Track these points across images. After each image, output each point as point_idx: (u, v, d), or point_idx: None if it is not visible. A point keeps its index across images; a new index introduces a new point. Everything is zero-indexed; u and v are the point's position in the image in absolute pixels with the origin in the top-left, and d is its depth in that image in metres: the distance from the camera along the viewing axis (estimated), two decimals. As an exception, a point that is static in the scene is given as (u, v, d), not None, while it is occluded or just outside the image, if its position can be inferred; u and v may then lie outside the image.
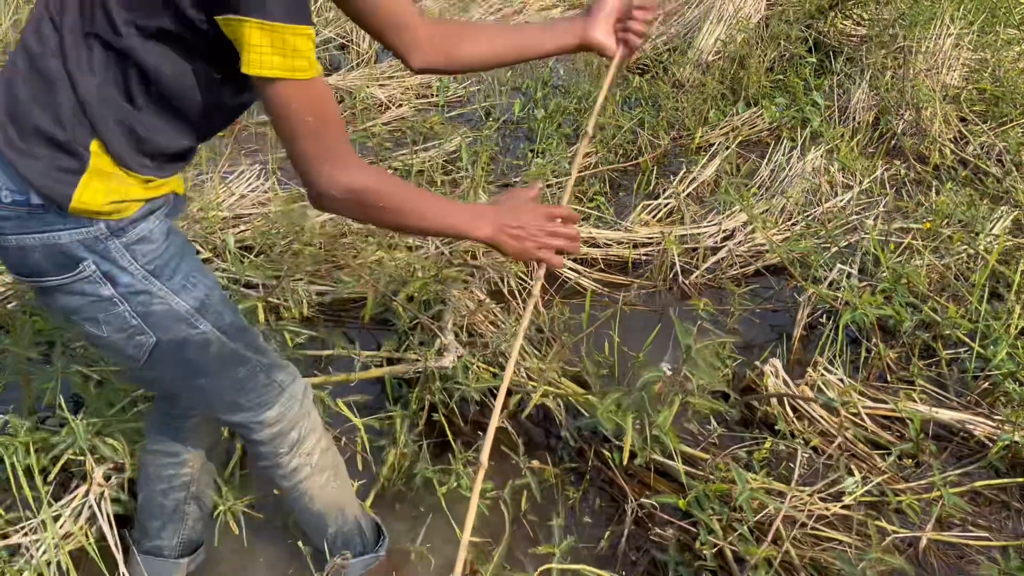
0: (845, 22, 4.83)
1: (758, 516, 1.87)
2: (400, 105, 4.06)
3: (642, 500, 1.96)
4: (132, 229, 1.25)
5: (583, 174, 3.47)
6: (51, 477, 1.86)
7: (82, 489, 1.80)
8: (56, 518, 1.78)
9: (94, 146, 1.18)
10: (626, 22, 1.56)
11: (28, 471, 1.85)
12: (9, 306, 2.42)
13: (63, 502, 1.80)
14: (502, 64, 1.62)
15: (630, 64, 4.52)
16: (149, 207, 1.27)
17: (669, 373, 2.25)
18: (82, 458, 1.82)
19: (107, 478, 1.84)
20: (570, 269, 2.93)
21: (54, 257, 1.23)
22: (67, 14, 1.16)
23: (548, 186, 3.33)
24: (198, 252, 2.63)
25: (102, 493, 1.77)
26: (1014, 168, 3.62)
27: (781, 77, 4.28)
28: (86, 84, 1.16)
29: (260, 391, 1.47)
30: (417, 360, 2.22)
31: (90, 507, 1.77)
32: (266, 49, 1.12)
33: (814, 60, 4.34)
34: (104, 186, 1.20)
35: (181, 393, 1.51)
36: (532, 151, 3.69)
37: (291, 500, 1.66)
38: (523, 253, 1.42)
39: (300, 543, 1.85)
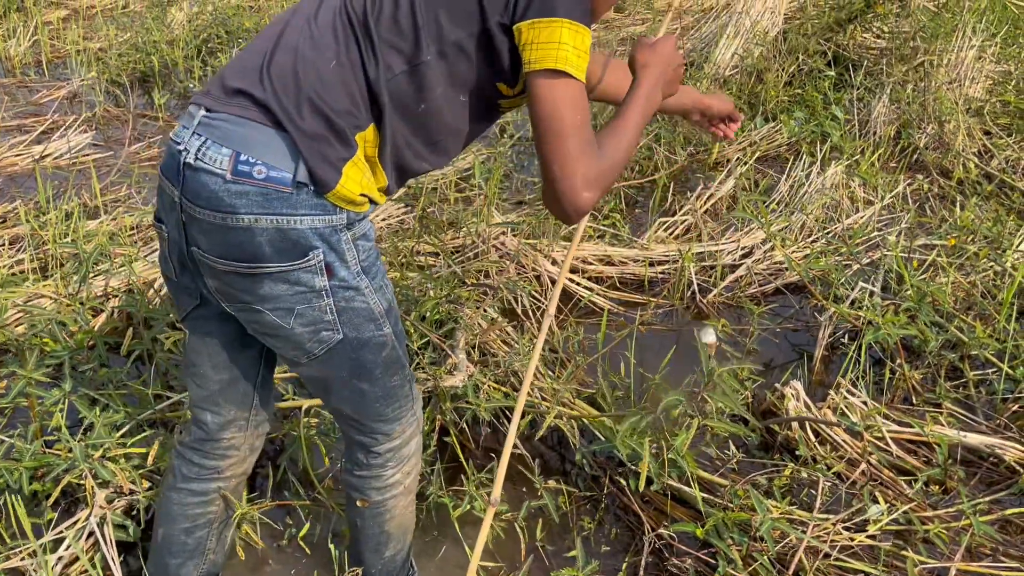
0: (864, 35, 4.76)
1: (779, 546, 1.81)
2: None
3: (660, 531, 1.90)
4: (358, 224, 1.30)
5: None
6: (51, 500, 1.82)
7: (84, 513, 1.76)
8: (58, 542, 1.75)
9: (362, 139, 1.26)
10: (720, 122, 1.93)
11: (33, 496, 1.83)
12: (17, 328, 2.41)
13: (65, 525, 1.77)
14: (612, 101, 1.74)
15: None
16: (371, 209, 1.33)
17: (714, 341, 2.20)
18: (86, 483, 1.79)
19: (109, 501, 1.80)
20: (584, 288, 2.88)
21: (282, 242, 1.23)
22: (370, 20, 1.25)
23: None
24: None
25: (103, 516, 1.73)
26: (1041, 183, 3.54)
27: (799, 91, 4.22)
28: (376, 85, 1.25)
29: (402, 401, 1.48)
30: (427, 379, 2.18)
31: (91, 532, 1.73)
32: (569, 48, 1.23)
33: (833, 74, 4.28)
34: (360, 177, 1.27)
35: (334, 393, 1.45)
36: (547, 167, 3.64)
37: (369, 514, 1.60)
38: (673, 89, 1.52)
39: (310, 560, 1.81)
